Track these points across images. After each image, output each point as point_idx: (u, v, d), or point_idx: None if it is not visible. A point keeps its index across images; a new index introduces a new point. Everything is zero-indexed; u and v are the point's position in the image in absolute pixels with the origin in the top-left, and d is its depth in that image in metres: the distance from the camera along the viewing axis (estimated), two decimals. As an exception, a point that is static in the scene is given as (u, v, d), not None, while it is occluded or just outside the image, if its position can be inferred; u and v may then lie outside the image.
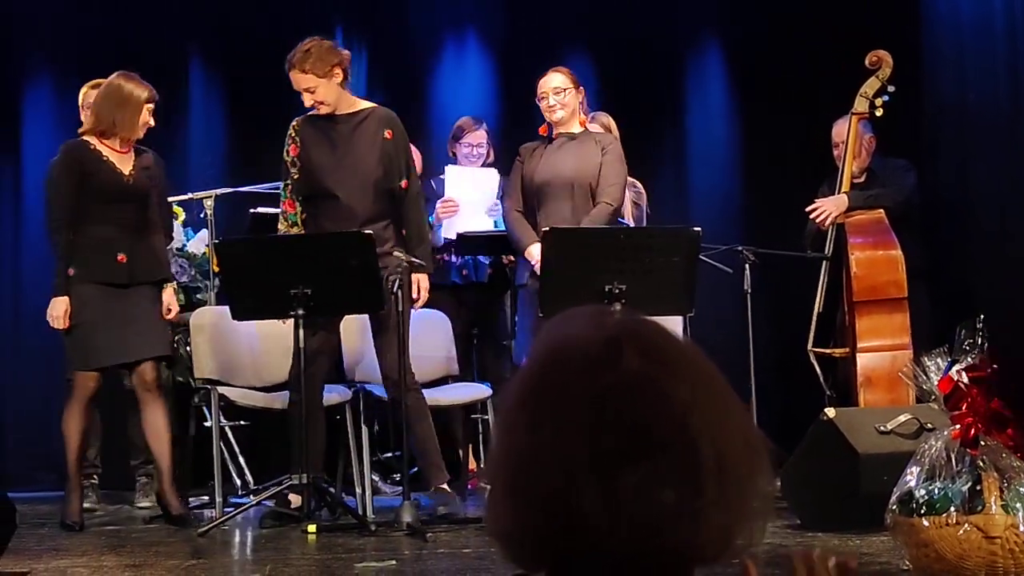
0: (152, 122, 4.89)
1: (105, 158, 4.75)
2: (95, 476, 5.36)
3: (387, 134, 4.66)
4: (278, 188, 5.50)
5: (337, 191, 4.64)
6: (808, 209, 5.34)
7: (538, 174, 4.93)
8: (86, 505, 5.14)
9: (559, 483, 0.96)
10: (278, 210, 5.29)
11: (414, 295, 4.60)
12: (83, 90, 5.17)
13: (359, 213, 4.60)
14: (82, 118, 5.08)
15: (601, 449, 0.95)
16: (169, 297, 4.94)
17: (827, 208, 5.27)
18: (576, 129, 4.98)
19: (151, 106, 4.87)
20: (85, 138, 4.78)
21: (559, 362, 1.01)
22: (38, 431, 5.80)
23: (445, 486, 4.59)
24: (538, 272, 4.76)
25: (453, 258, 5.76)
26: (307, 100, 4.67)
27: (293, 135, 4.77)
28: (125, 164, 4.80)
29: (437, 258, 5.76)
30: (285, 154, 4.78)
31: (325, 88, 4.62)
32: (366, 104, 4.82)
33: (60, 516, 4.64)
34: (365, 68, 6.86)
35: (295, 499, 4.59)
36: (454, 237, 5.56)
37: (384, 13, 6.86)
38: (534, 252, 4.81)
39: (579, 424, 0.96)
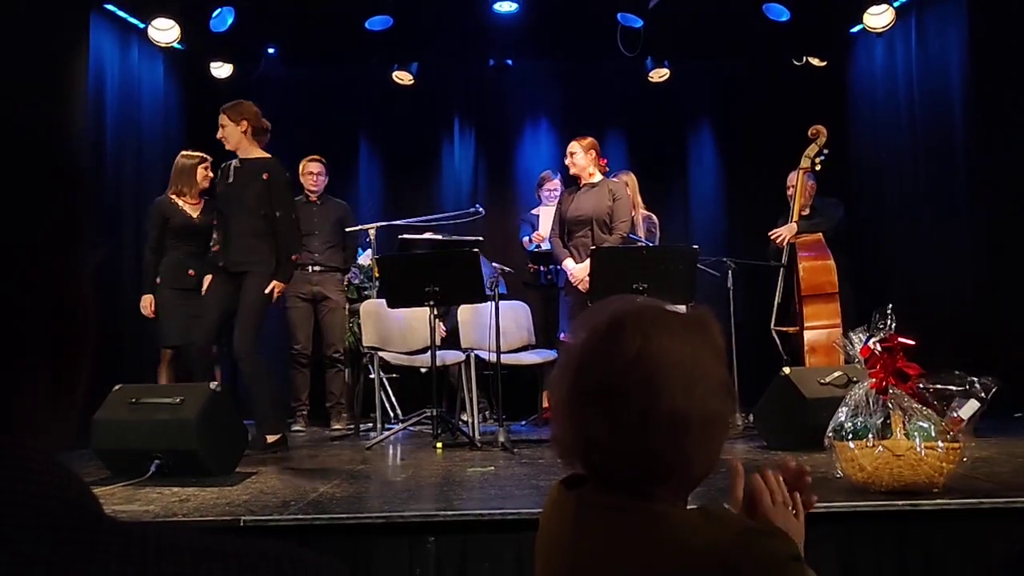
0: (210, 175, 4.89)
1: (180, 208, 4.90)
2: (305, 410, 5.43)
3: (264, 176, 4.23)
4: (417, 221, 5.60)
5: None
6: (771, 233, 5.29)
7: (569, 212, 4.96)
8: (297, 428, 5.28)
9: (571, 421, 0.99)
10: (419, 236, 5.37)
11: (271, 291, 4.12)
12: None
13: (236, 231, 4.21)
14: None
15: (581, 398, 0.98)
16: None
17: (783, 232, 5.22)
18: (594, 179, 4.97)
19: (203, 165, 4.95)
20: (170, 195, 4.94)
21: (586, 339, 1.02)
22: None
23: (270, 438, 4.11)
24: (572, 280, 4.78)
25: (541, 268, 5.83)
26: (219, 132, 4.30)
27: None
28: (195, 210, 4.94)
29: (530, 267, 5.86)
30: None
31: (231, 130, 4.27)
32: (262, 155, 4.33)
33: None
34: (473, 142, 6.91)
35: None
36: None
37: (485, 105, 6.90)
38: (569, 265, 4.85)
39: (573, 382, 0.99)
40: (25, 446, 0.45)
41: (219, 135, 4.30)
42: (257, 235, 4.17)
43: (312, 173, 5.51)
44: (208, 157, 5.02)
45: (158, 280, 4.84)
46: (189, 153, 5.03)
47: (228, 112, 4.27)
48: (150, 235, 4.88)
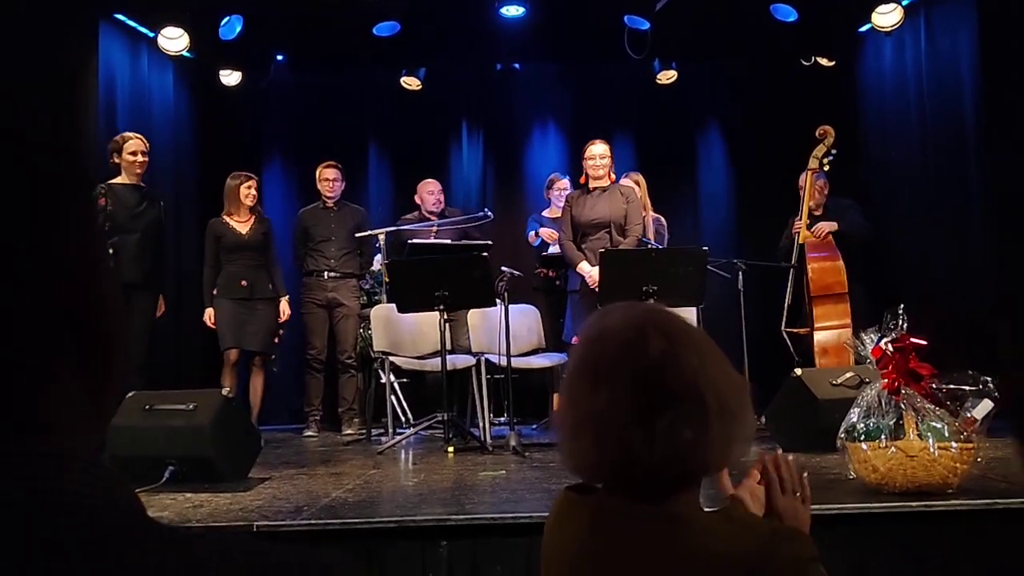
0: (254, 194, 5.22)
1: (231, 226, 5.18)
2: (317, 415, 5.46)
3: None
4: (426, 226, 5.61)
5: None
6: (813, 229, 5.25)
7: (584, 216, 4.91)
8: (309, 434, 5.32)
9: (616, 428, 0.97)
10: (428, 240, 5.37)
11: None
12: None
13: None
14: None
15: (642, 405, 0.96)
16: (283, 305, 5.29)
17: (823, 227, 5.21)
18: (606, 183, 4.97)
19: (246, 184, 5.20)
20: (223, 215, 5.24)
21: (606, 344, 1.01)
22: (280, 382, 5.93)
23: None
24: (589, 282, 4.77)
25: (551, 273, 5.83)
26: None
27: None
28: (244, 227, 5.20)
29: (540, 271, 5.86)
30: None
31: None
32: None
33: None
34: (482, 145, 6.92)
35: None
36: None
37: (493, 109, 6.91)
38: (585, 268, 4.83)
39: (626, 390, 0.97)
40: (68, 449, 0.45)
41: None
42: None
43: (328, 179, 5.55)
44: (252, 176, 5.31)
45: (215, 292, 5.15)
46: (235, 174, 5.29)
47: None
48: (207, 252, 5.22)
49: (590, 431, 0.99)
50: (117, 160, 4.80)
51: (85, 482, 0.45)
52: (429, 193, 5.81)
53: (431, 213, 5.76)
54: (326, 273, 5.45)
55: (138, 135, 4.90)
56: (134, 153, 4.79)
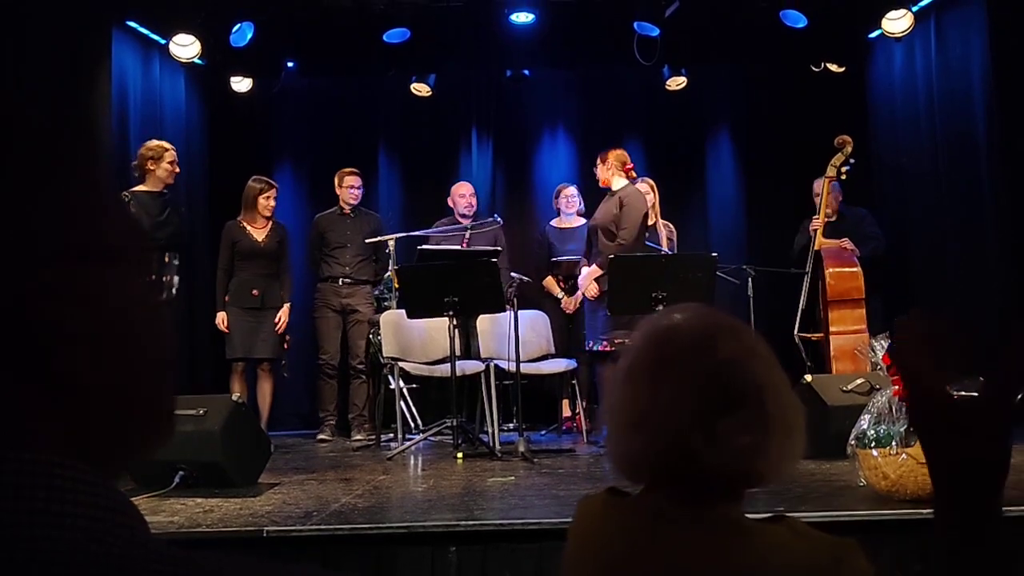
0: (272, 204, 5.27)
1: (247, 231, 5.19)
2: (332, 420, 5.47)
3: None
4: (436, 232, 5.61)
5: None
6: (841, 242, 5.27)
7: (590, 222, 5.04)
8: (323, 438, 5.34)
9: (675, 426, 0.96)
10: (437, 247, 5.38)
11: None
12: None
13: None
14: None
15: (706, 406, 0.95)
16: (283, 313, 5.26)
17: (847, 245, 5.22)
18: (613, 187, 4.98)
19: (266, 193, 5.24)
20: (240, 219, 5.25)
21: (673, 341, 1.00)
22: (288, 390, 5.94)
23: None
24: (588, 295, 4.89)
25: (560, 279, 5.82)
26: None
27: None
28: (260, 234, 5.22)
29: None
30: None
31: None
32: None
33: None
34: (491, 151, 6.93)
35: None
36: None
37: (503, 115, 6.92)
38: (583, 272, 4.94)
39: (692, 389, 0.96)
40: (68, 467, 0.43)
41: None
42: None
43: (354, 186, 5.60)
44: (274, 184, 5.33)
45: (227, 299, 5.16)
46: (257, 178, 5.32)
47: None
48: (221, 256, 5.21)
49: (648, 427, 0.97)
50: (152, 167, 4.75)
51: (86, 503, 0.41)
52: (461, 196, 5.80)
53: (463, 216, 5.73)
54: (341, 279, 5.47)
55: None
56: (172, 163, 4.82)
